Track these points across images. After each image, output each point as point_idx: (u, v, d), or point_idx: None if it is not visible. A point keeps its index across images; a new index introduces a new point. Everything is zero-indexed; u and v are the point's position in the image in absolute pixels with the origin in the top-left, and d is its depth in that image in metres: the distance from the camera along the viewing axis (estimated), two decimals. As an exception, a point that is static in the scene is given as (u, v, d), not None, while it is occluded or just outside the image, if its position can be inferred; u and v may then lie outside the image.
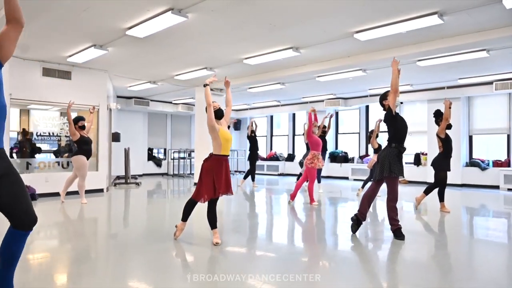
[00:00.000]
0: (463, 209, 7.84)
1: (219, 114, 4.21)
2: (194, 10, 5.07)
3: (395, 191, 4.57)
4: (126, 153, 11.17)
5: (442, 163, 6.67)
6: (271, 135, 17.71)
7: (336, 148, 15.29)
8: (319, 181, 9.87)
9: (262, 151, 17.63)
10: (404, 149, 4.71)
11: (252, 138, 10.98)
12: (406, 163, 12.46)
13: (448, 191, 10.24)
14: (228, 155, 4.29)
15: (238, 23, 5.66)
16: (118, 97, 12.60)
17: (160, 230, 5.01)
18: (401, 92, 12.17)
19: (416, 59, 7.96)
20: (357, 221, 4.80)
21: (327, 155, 14.62)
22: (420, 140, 12.41)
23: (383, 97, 4.93)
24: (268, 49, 7.14)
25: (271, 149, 17.58)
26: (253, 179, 10.97)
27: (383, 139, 7.36)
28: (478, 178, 11.13)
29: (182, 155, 14.92)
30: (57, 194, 7.60)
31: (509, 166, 10.94)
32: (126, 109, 13.23)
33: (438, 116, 6.73)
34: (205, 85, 4.15)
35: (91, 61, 7.87)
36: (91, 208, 6.84)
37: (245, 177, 11.10)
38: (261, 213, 7.10)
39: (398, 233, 4.56)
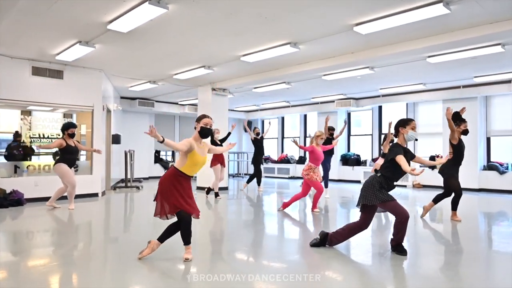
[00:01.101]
0: (479, 216, 7.25)
1: (205, 132, 3.75)
2: (174, 1, 4.73)
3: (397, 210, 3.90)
4: (127, 155, 10.94)
5: (450, 171, 6.08)
6: (282, 137, 17.27)
7: (349, 150, 14.73)
8: (326, 186, 9.38)
9: (273, 154, 17.25)
10: (394, 186, 4.07)
11: (257, 142, 10.59)
12: (420, 166, 11.83)
13: (463, 196, 9.56)
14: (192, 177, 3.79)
15: (225, 15, 5.29)
16: (122, 98, 12.44)
17: (134, 241, 4.66)
18: (414, 92, 11.59)
19: (426, 55, 7.43)
20: (321, 241, 4.21)
21: (338, 158, 14.15)
22: (435, 142, 11.74)
23: (400, 124, 4.18)
24: (264, 44, 6.74)
25: (282, 151, 17.14)
26: (258, 183, 10.57)
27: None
28: (496, 182, 10.41)
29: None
30: (47, 199, 7.17)
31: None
32: (130, 110, 13.05)
33: (456, 119, 6.06)
34: (161, 142, 3.39)
35: (84, 60, 7.65)
36: (77, 214, 6.52)
37: (248, 181, 10.72)
38: (249, 218, 6.70)
39: (399, 249, 4.02)
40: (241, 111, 16.90)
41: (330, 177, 14.17)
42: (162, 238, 3.72)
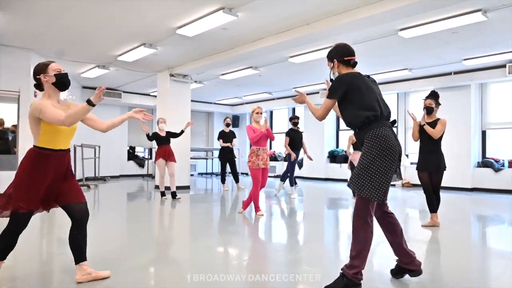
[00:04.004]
0: (472, 219, 6.05)
1: (63, 81, 2.76)
2: None
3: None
4: (76, 151, 9.94)
5: (418, 162, 5.00)
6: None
7: (337, 146, 13.52)
8: (291, 184, 8.25)
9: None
10: None
11: (225, 135, 9.57)
12: (411, 163, 10.58)
13: (456, 196, 8.39)
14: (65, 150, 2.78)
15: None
16: (84, 87, 11.55)
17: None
18: (403, 80, 10.36)
19: (396, 27, 6.27)
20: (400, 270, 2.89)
21: (325, 155, 12.95)
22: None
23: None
24: (196, 11, 5.70)
25: (270, 148, 16.02)
26: (236, 180, 9.56)
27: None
28: (491, 180, 9.07)
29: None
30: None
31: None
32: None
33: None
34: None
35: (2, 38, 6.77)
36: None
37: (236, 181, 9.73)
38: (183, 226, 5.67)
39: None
40: (225, 105, 15.88)
41: (317, 175, 13.10)
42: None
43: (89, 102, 2.54)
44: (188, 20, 6.04)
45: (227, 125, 9.66)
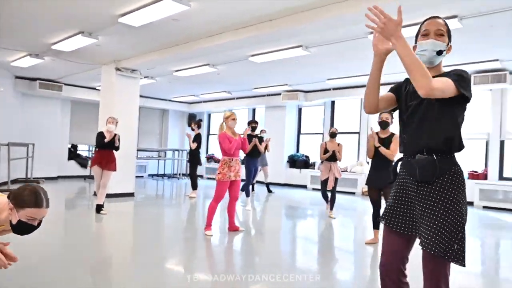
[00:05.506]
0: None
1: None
2: None
3: None
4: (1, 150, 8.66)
5: (368, 177, 4.85)
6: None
7: (297, 151, 12.98)
8: (247, 194, 7.56)
9: (219, 152, 15.34)
10: None
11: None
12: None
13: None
14: None
15: None
16: (18, 77, 10.17)
17: None
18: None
19: (368, 30, 5.69)
20: None
21: (285, 159, 12.35)
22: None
23: None
24: (140, -1, 4.82)
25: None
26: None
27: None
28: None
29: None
30: None
31: (485, 178, 8.69)
32: (31, 93, 10.59)
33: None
34: None
35: None
36: None
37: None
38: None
39: None
40: (182, 102, 14.91)
41: (276, 180, 12.46)
42: None
43: None
44: (132, 7, 5.11)
45: (198, 126, 8.89)
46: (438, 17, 1.88)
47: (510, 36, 5.85)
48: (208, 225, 5.09)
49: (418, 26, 1.96)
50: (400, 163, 1.97)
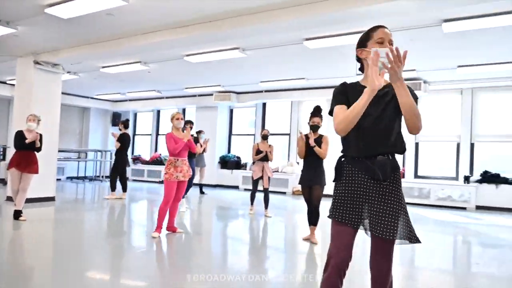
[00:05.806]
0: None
1: None
2: None
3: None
4: None
5: (301, 177, 5.04)
6: (157, 134, 14.89)
7: (229, 152, 13.02)
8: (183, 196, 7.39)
9: (145, 153, 14.78)
10: None
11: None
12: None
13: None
14: None
15: None
16: None
17: None
18: (298, 89, 10.37)
19: (303, 36, 5.93)
20: None
21: (216, 160, 12.32)
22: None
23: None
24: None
25: (156, 150, 14.76)
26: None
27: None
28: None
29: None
30: None
31: (403, 177, 9.60)
32: None
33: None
34: None
35: None
36: None
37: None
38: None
39: None
40: (105, 100, 14.10)
41: (208, 181, 12.35)
42: None
43: None
44: (61, -2, 4.74)
45: (125, 126, 8.48)
46: (386, 26, 2.02)
47: (426, 50, 6.50)
48: (158, 227, 4.96)
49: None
50: (345, 163, 2.06)
